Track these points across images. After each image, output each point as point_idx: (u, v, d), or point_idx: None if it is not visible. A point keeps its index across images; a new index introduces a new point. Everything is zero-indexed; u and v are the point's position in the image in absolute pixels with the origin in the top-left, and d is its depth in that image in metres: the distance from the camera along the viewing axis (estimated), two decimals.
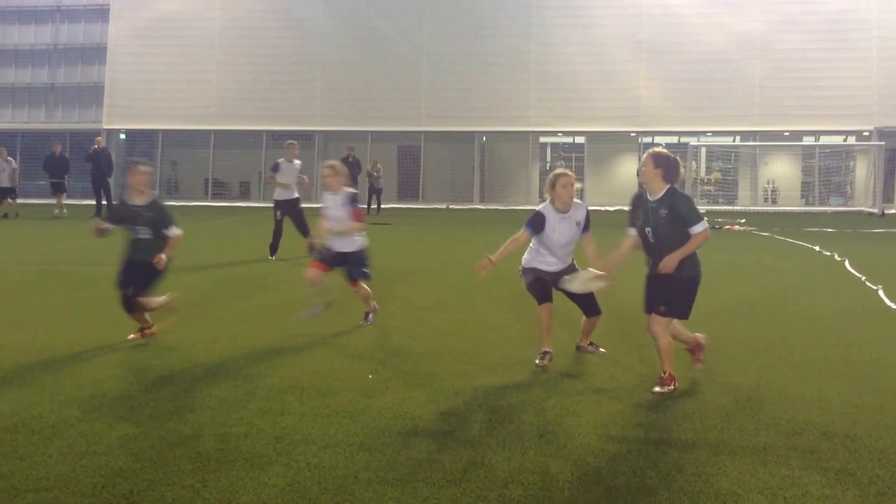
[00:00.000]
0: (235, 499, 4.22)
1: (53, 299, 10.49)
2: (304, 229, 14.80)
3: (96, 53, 41.54)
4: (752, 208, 35.19)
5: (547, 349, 7.04)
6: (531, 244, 7.34)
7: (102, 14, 41.59)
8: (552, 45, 38.40)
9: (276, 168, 15.15)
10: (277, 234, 14.98)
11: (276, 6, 40.26)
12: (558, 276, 7.21)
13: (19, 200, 27.53)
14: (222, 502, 4.19)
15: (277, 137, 40.60)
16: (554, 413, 5.72)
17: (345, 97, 39.19)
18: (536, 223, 7.15)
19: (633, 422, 5.58)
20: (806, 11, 36.86)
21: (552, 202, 7.17)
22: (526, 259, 7.41)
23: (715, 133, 38.69)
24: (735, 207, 35.24)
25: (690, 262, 6.31)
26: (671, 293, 6.30)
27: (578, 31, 38.29)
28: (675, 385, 6.27)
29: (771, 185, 39.35)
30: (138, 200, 7.92)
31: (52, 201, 27.52)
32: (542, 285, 7.16)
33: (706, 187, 39.25)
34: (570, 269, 7.30)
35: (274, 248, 15.01)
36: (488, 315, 9.51)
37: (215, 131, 40.29)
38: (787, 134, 37.77)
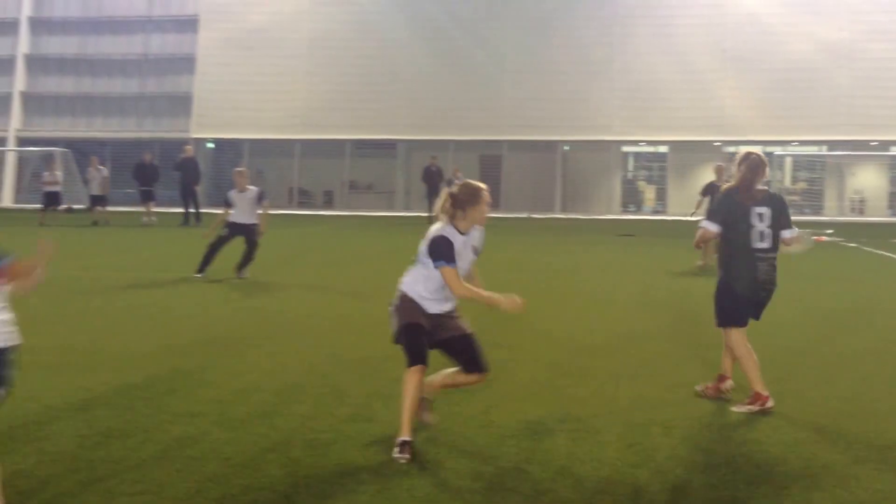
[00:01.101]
0: None
1: (144, 304, 10.79)
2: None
3: (185, 64, 42.36)
4: (838, 219, 34.41)
5: (406, 438, 5.05)
6: (417, 270, 5.41)
7: (192, 25, 42.48)
8: (635, 54, 38.13)
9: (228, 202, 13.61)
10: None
11: (360, 19, 40.73)
12: (439, 320, 5.42)
13: (109, 208, 28.23)
14: None
15: (361, 146, 41.22)
16: (640, 423, 5.70)
17: (427, 107, 39.44)
18: (451, 252, 5.22)
19: (722, 435, 5.53)
20: (893, 20, 35.94)
21: (455, 222, 5.34)
22: (407, 284, 5.45)
23: (801, 142, 37.95)
24: (821, 218, 34.50)
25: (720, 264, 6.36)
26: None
27: (661, 39, 37.94)
28: (759, 405, 5.96)
29: (858, 196, 38.44)
30: None
31: (142, 209, 28.09)
32: (421, 337, 5.29)
33: (792, 197, 38.49)
34: (452, 314, 5.50)
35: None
36: (587, 321, 9.50)
37: (300, 141, 40.94)
38: (875, 143, 36.85)
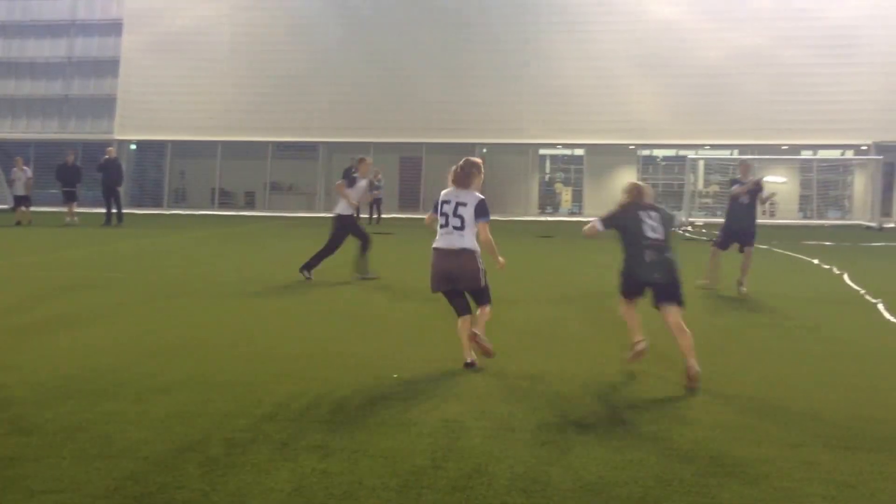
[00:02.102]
0: (243, 503, 4.31)
1: (73, 304, 10.58)
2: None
3: (109, 66, 42.15)
4: None
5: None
6: (469, 230, 7.47)
7: (116, 28, 42.21)
8: (552, 59, 38.68)
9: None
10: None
11: (284, 22, 40.65)
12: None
13: (32, 209, 27.72)
14: None
15: (283, 148, 41.05)
16: (555, 421, 5.81)
17: (348, 109, 39.46)
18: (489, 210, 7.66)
19: (636, 431, 5.66)
20: (805, 27, 37.09)
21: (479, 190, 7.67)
22: (473, 243, 7.49)
23: (713, 146, 38.86)
24: None
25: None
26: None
27: (578, 45, 38.58)
28: (632, 350, 7.32)
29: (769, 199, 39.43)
30: None
31: (64, 210, 27.71)
32: None
33: (704, 200, 39.38)
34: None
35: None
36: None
37: (222, 142, 40.66)
38: (786, 148, 37.94)
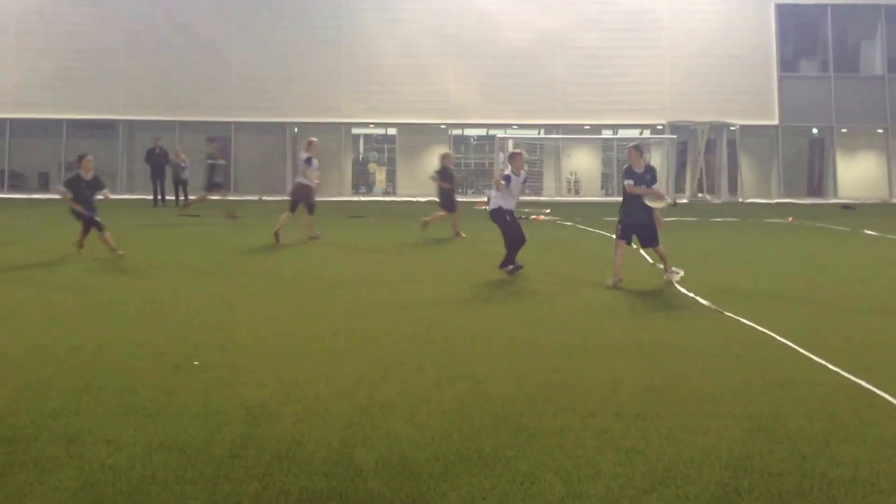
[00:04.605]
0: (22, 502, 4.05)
1: None
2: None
3: None
4: (556, 199, 36.44)
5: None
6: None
7: None
8: (362, 37, 38.44)
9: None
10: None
11: None
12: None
13: None
14: None
15: (79, 126, 38.94)
16: (361, 402, 5.76)
17: (149, 86, 37.88)
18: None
19: (439, 408, 5.66)
20: (602, 11, 38.42)
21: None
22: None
23: (520, 126, 39.79)
24: (541, 198, 36.35)
25: None
26: None
27: (388, 24, 38.49)
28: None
29: (574, 177, 40.89)
30: None
31: None
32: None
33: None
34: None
35: None
36: (309, 305, 9.46)
37: (11, 120, 38.17)
38: (588, 127, 39.32)
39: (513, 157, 12.68)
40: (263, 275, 12.34)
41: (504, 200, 12.20)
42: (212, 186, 23.79)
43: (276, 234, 16.19)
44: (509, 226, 12.21)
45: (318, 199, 17.66)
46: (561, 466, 4.62)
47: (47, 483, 4.28)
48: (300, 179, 17.25)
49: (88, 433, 5.03)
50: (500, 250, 12.35)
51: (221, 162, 24.96)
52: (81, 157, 14.54)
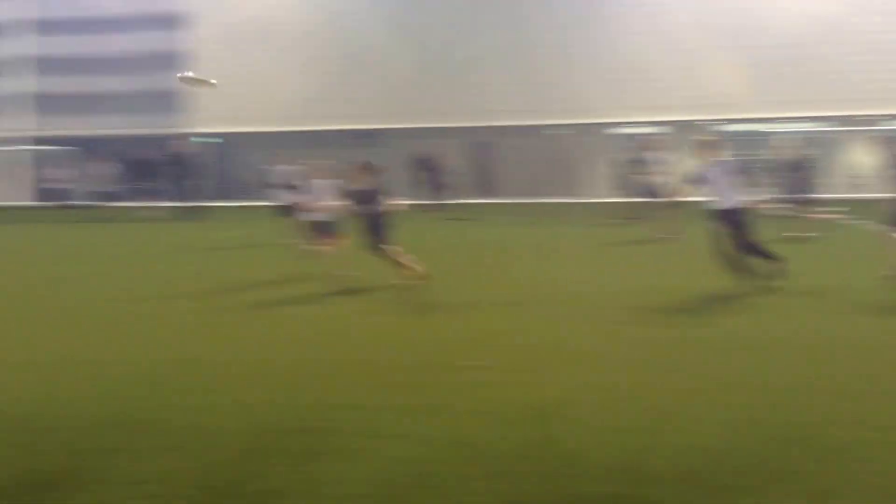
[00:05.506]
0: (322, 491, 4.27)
1: None
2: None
3: (170, 60, 42.75)
4: (838, 195, 34.24)
5: None
6: None
7: (175, 22, 43.15)
8: (620, 34, 38.08)
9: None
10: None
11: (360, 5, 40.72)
12: None
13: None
14: (312, 494, 4.23)
15: (357, 136, 40.76)
16: (646, 411, 5.62)
17: (414, 94, 39.40)
18: None
19: (722, 419, 5.43)
20: None
21: None
22: None
23: (790, 118, 37.71)
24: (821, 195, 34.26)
25: None
26: None
27: (647, 19, 37.94)
28: None
29: (858, 171, 38.22)
30: None
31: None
32: None
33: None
34: None
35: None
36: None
37: (301, 132, 40.46)
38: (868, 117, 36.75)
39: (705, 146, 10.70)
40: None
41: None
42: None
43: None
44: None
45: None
46: (865, 484, 4.26)
47: (344, 472, 4.46)
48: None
49: (380, 427, 5.20)
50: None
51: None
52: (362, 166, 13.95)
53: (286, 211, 15.97)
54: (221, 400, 5.88)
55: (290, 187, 15.72)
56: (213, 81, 27.62)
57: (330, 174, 12.13)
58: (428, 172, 29.80)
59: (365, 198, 10.79)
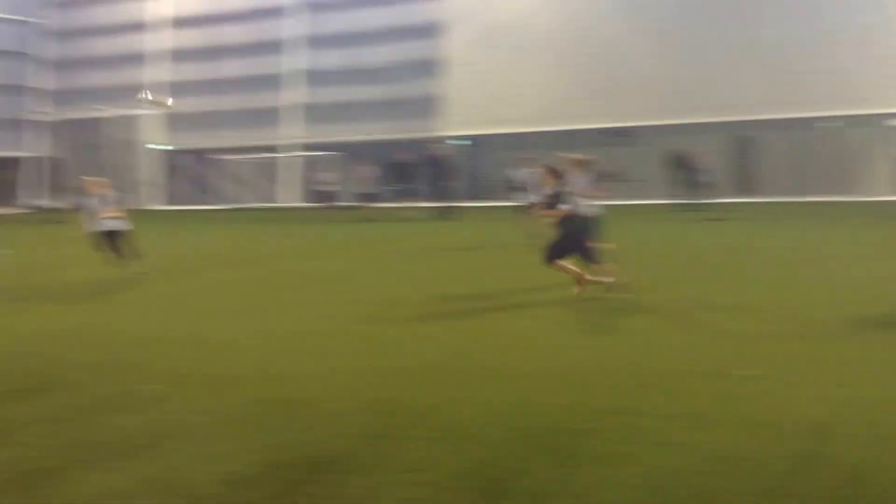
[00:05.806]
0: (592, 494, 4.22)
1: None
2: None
3: (429, 66, 44.53)
4: None
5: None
6: None
7: (435, 30, 44.92)
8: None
9: None
10: None
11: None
12: None
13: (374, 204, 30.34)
14: (582, 497, 4.19)
15: (609, 134, 40.50)
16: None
17: (666, 90, 38.60)
18: None
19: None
20: None
21: None
22: None
23: None
24: None
25: None
26: None
27: None
28: None
29: None
30: None
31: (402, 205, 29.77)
32: None
33: None
34: None
35: None
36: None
37: (550, 133, 40.78)
38: None
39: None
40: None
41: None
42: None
43: None
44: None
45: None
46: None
47: (614, 478, 4.37)
48: None
49: (642, 433, 5.08)
50: None
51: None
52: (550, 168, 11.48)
53: (524, 211, 16.25)
54: (481, 397, 5.96)
55: (525, 189, 16.01)
56: (169, 102, 31.19)
57: (570, 174, 11.64)
58: (685, 170, 28.98)
59: (555, 201, 10.45)
